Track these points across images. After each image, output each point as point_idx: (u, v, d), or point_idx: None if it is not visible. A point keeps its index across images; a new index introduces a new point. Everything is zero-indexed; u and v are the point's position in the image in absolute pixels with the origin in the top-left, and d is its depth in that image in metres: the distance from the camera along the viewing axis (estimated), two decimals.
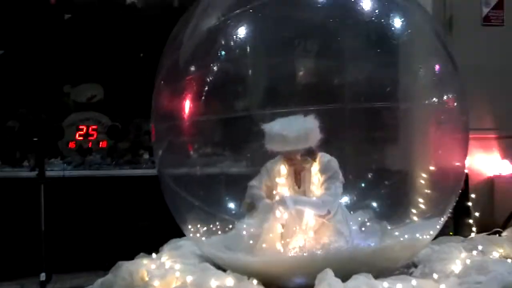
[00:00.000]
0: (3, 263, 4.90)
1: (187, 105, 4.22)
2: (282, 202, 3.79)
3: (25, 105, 6.33)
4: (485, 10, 6.03)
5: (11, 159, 5.75)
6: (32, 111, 6.25)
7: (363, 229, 4.10)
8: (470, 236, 4.61)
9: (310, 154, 3.92)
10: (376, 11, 4.09)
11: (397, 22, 4.13)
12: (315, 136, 3.86)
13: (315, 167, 3.97)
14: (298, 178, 4.02)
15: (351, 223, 4.01)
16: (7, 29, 6.29)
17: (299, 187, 4.01)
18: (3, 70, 6.23)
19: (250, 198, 4.01)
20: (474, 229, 4.76)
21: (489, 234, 4.58)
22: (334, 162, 3.95)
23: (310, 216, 3.78)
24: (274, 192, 4.00)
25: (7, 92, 6.26)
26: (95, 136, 6.41)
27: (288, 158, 3.96)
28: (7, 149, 5.88)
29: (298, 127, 3.82)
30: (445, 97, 4.18)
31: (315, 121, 3.86)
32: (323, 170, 3.93)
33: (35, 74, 6.33)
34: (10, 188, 5.14)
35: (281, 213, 3.74)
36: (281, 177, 4.01)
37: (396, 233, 3.98)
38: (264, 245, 3.73)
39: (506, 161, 5.73)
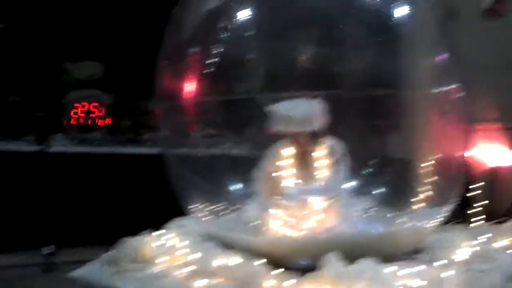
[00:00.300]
0: (9, 236, 4.90)
1: (191, 86, 4.19)
2: (286, 195, 3.82)
3: (27, 82, 6.29)
4: (488, 2, 6.03)
5: (14, 133, 5.72)
6: (35, 88, 6.22)
7: (367, 215, 4.11)
8: (474, 225, 4.63)
9: (315, 136, 3.94)
10: None
11: (401, 9, 4.11)
12: (321, 118, 3.89)
13: (320, 151, 3.99)
14: (304, 161, 4.02)
15: (356, 208, 4.02)
16: (8, 3, 6.22)
17: (304, 170, 4.01)
18: (3, 45, 6.16)
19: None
20: (478, 218, 4.77)
21: (493, 223, 4.59)
22: (340, 146, 3.97)
23: (317, 199, 3.78)
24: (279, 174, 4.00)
25: (8, 67, 6.20)
26: (96, 113, 6.38)
27: (294, 140, 3.98)
28: (9, 123, 5.86)
29: (304, 109, 3.86)
30: (448, 86, 4.17)
31: (320, 104, 3.88)
32: (329, 154, 3.95)
33: (36, 49, 6.27)
34: (12, 162, 5.13)
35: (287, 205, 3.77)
36: (287, 159, 4.01)
37: (401, 220, 3.99)
38: (270, 226, 3.75)
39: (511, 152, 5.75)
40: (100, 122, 6.28)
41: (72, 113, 6.25)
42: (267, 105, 3.89)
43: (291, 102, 3.92)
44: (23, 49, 6.26)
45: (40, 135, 5.00)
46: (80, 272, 3.84)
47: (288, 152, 4.00)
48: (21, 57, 6.25)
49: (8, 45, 6.19)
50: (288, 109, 3.86)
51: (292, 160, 3.97)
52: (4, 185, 5.07)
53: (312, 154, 3.98)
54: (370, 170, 4.33)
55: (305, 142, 3.95)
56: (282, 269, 3.39)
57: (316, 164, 3.99)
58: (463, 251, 3.72)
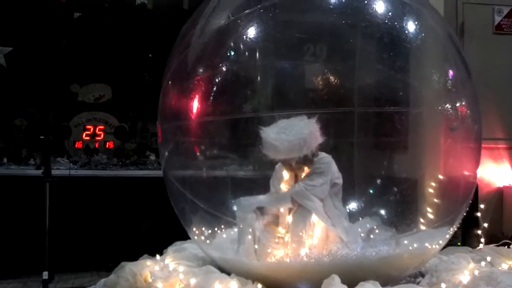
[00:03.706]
0: (7, 261, 4.88)
1: (194, 106, 4.15)
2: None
3: (33, 104, 6.32)
4: (498, 19, 6.00)
5: (17, 157, 5.74)
6: (40, 110, 6.24)
7: (371, 236, 4.03)
8: (479, 247, 4.53)
9: (305, 161, 3.83)
10: (389, 13, 4.00)
11: (411, 26, 4.04)
12: (311, 143, 3.75)
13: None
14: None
15: (359, 229, 3.95)
16: (17, 26, 6.27)
17: None
18: (12, 68, 6.21)
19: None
20: (482, 240, 4.68)
21: (497, 246, 4.50)
22: (324, 160, 3.83)
23: (316, 222, 3.72)
24: None
25: (15, 90, 6.24)
26: (102, 136, 6.40)
27: (285, 164, 3.90)
28: (13, 147, 5.88)
29: (292, 137, 3.70)
30: (457, 104, 4.08)
31: (315, 126, 3.72)
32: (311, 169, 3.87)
33: (44, 72, 6.30)
34: (15, 186, 5.12)
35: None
36: (284, 181, 3.96)
37: (405, 242, 3.90)
38: (269, 250, 3.69)
39: None
40: (105, 145, 6.29)
41: (77, 136, 6.27)
42: (261, 129, 3.78)
43: (282, 126, 3.77)
44: (30, 71, 6.29)
45: (43, 159, 4.99)
46: None
47: (284, 174, 3.94)
48: (28, 79, 6.28)
49: (16, 67, 6.23)
50: (275, 137, 3.71)
51: (288, 182, 3.91)
52: (6, 209, 5.06)
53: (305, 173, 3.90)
54: (375, 189, 4.27)
55: (296, 167, 3.86)
56: None
57: None
58: (468, 274, 3.63)
